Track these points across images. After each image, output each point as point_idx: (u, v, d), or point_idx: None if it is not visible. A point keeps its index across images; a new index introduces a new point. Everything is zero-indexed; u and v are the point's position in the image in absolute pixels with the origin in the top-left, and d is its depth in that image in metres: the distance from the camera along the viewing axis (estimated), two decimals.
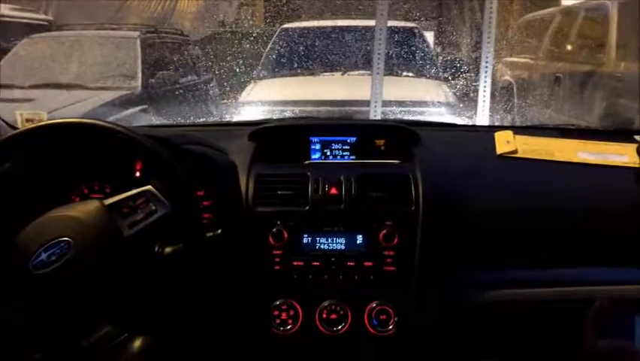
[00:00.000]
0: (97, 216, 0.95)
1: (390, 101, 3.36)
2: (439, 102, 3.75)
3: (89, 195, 1.33)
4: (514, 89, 5.32)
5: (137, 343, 0.95)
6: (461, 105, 3.79)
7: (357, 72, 4.21)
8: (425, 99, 3.74)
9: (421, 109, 3.63)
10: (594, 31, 4.44)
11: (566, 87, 4.47)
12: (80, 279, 0.90)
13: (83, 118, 1.04)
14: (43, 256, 0.89)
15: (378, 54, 2.84)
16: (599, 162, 1.46)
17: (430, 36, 5.29)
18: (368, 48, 3.86)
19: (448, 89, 4.08)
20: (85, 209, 0.96)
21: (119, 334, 0.95)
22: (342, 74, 4.27)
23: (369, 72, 3.31)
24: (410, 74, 4.32)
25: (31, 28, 4.98)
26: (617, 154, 1.50)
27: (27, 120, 1.70)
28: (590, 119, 3.79)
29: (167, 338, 1.02)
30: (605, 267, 1.34)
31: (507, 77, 5.59)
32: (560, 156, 1.48)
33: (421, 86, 4.18)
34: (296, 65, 4.41)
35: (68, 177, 1.32)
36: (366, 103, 2.96)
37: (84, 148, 1.23)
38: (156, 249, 1.02)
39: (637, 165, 1.45)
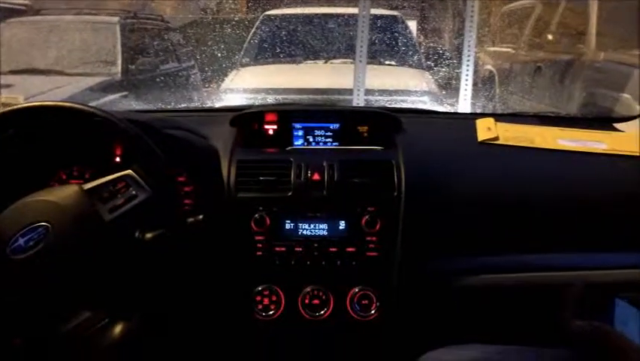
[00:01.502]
0: (76, 201, 0.94)
1: (373, 90, 3.36)
2: (421, 91, 3.76)
3: (67, 181, 1.31)
4: (496, 78, 5.35)
5: (118, 328, 0.94)
6: (443, 93, 3.81)
7: (340, 60, 4.20)
8: (408, 88, 3.75)
9: (403, 97, 3.64)
10: (574, 21, 4.47)
11: (547, 76, 4.51)
12: (58, 264, 0.89)
13: (60, 101, 1.02)
14: (21, 241, 0.88)
15: (361, 42, 2.83)
16: (578, 149, 1.47)
17: (412, 25, 5.29)
18: (351, 35, 3.84)
19: (430, 78, 4.09)
20: (63, 193, 0.95)
21: (100, 319, 0.94)
22: (325, 62, 4.26)
23: (352, 60, 3.31)
24: (393, 63, 4.32)
25: (8, 12, 4.87)
26: (596, 141, 1.52)
27: (3, 105, 1.67)
28: (570, 108, 3.83)
29: (148, 323, 1.02)
30: (586, 252, 1.36)
31: (489, 67, 5.62)
32: (540, 143, 1.49)
33: (403, 74, 4.18)
34: (279, 52, 4.38)
35: (46, 162, 1.30)
36: (349, 91, 2.95)
37: (62, 132, 1.20)
38: (137, 234, 1.00)
39: (615, 152, 1.47)
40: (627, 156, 1.46)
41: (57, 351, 0.92)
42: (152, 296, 1.04)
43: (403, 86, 3.78)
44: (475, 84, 2.78)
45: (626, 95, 2.50)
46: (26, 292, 0.90)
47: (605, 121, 1.71)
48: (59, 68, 4.06)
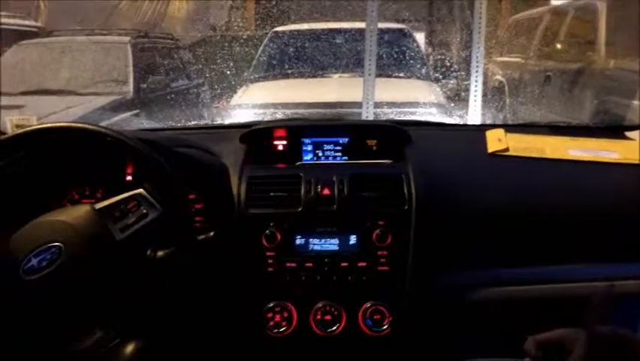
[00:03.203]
0: (88, 221, 0.94)
1: (382, 103, 3.37)
2: (430, 103, 3.75)
3: (79, 200, 1.32)
4: (506, 89, 5.34)
5: (130, 347, 0.94)
6: (452, 105, 3.80)
7: (348, 74, 4.21)
8: (416, 100, 3.75)
9: (411, 110, 3.63)
10: (583, 30, 4.46)
11: (557, 85, 4.49)
12: (71, 284, 0.89)
13: (72, 122, 1.04)
14: (34, 261, 0.89)
15: (370, 56, 2.84)
16: (589, 159, 1.46)
17: (420, 37, 5.31)
18: (359, 49, 3.86)
19: (438, 89, 4.09)
20: (76, 214, 0.96)
21: (112, 338, 0.94)
22: (334, 76, 4.28)
23: (360, 74, 3.32)
24: (401, 75, 4.33)
25: (21, 35, 4.95)
26: (608, 150, 1.51)
27: (17, 126, 1.70)
28: (581, 117, 3.81)
29: (160, 341, 1.02)
30: (598, 263, 1.35)
31: (498, 77, 5.61)
32: (551, 154, 1.48)
33: (410, 86, 4.19)
34: (287, 67, 4.41)
35: (59, 182, 1.31)
36: (358, 105, 2.96)
37: (74, 153, 1.22)
38: (148, 253, 1.01)
39: (627, 162, 1.45)
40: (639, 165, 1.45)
41: None
42: (163, 314, 1.04)
43: (412, 99, 3.78)
44: (484, 95, 2.78)
45: (637, 103, 2.48)
46: (39, 312, 0.90)
47: (616, 130, 1.69)
48: (71, 88, 4.11)
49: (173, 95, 4.67)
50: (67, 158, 1.25)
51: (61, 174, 1.30)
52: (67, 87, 4.12)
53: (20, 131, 1.02)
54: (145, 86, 4.38)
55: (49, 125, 1.03)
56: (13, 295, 0.89)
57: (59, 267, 0.88)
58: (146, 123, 3.99)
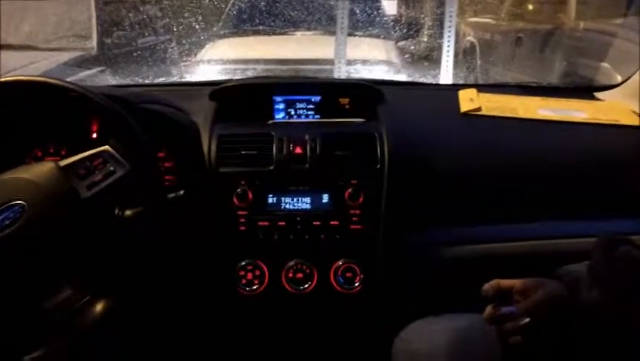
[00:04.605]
0: (52, 178, 0.91)
1: (355, 60, 3.34)
2: (381, 61, 3.74)
3: (43, 158, 1.28)
4: (477, 50, 5.35)
5: (100, 305, 0.93)
6: (426, 64, 3.80)
7: (319, 31, 4.14)
8: (367, 58, 3.72)
9: (366, 67, 3.60)
10: None
11: (527, 47, 4.51)
12: (36, 242, 0.87)
13: (34, 76, 0.99)
14: None
15: (342, 12, 2.80)
16: (559, 119, 1.48)
17: None
18: (331, 4, 3.79)
19: (393, 47, 4.08)
20: (39, 171, 0.92)
21: (81, 297, 0.93)
22: (304, 33, 4.20)
23: (331, 31, 3.27)
24: (374, 33, 4.27)
25: None
26: (577, 110, 1.53)
27: None
28: (551, 78, 3.85)
29: (130, 300, 1.01)
30: (566, 221, 1.38)
31: (470, 38, 5.60)
32: (522, 113, 1.49)
33: (366, 45, 4.13)
34: (257, 22, 4.31)
35: (21, 140, 1.26)
36: (330, 62, 2.93)
37: (37, 109, 1.17)
38: (116, 211, 0.99)
39: (596, 121, 1.47)
40: (608, 124, 1.47)
41: (38, 329, 0.91)
42: (133, 273, 1.02)
43: (382, 57, 3.76)
44: (456, 55, 2.77)
45: (605, 65, 2.51)
46: (5, 270, 0.88)
47: (585, 90, 1.71)
48: (32, 43, 3.94)
49: (139, 52, 4.53)
50: (29, 114, 1.20)
51: (23, 131, 1.25)
52: (28, 42, 3.95)
53: None
54: (110, 41, 4.23)
55: (9, 78, 0.98)
56: None
57: (23, 225, 0.86)
58: (112, 80, 3.87)
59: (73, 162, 0.96)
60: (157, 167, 1.06)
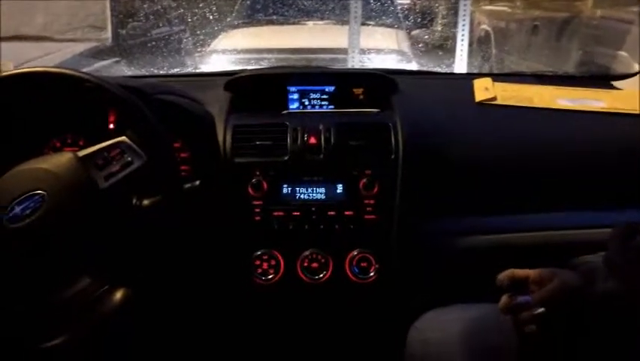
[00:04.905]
0: (70, 169, 0.93)
1: (369, 50, 3.32)
2: (393, 50, 3.73)
3: (61, 149, 1.30)
4: (492, 38, 5.29)
5: (118, 295, 0.94)
6: (440, 53, 3.77)
7: (332, 20, 4.12)
8: (379, 47, 3.71)
9: (399, 57, 3.60)
10: None
11: (544, 35, 4.45)
12: (56, 232, 0.88)
13: (50, 67, 1.00)
14: (17, 209, 0.87)
15: (355, 1, 2.78)
16: (577, 108, 1.46)
17: None
18: None
19: (405, 37, 4.05)
20: (58, 161, 0.94)
21: (100, 286, 0.94)
22: (317, 23, 4.19)
23: (344, 20, 3.26)
24: (387, 22, 4.25)
25: None
26: (595, 100, 1.51)
27: None
28: (568, 67, 3.80)
29: (148, 289, 1.02)
30: (583, 211, 1.37)
31: (484, 26, 5.54)
32: (538, 103, 1.48)
33: (377, 34, 4.10)
34: (271, 12, 4.31)
35: (39, 131, 1.28)
36: (343, 51, 2.91)
37: (55, 100, 1.19)
38: (134, 201, 1.00)
39: (614, 110, 1.46)
40: (626, 114, 1.45)
41: (58, 318, 0.92)
42: (150, 263, 1.04)
43: (397, 47, 3.74)
44: (470, 44, 2.75)
45: (623, 53, 2.47)
46: (25, 259, 0.89)
47: (603, 79, 1.69)
48: (47, 34, 3.97)
49: (154, 43, 4.54)
50: (47, 105, 1.22)
51: (41, 121, 1.26)
52: (43, 33, 3.98)
53: None
54: (124, 32, 4.25)
55: (26, 70, 1.00)
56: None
57: (43, 214, 0.87)
58: (127, 71, 3.89)
59: (92, 153, 0.97)
60: (173, 157, 1.07)
